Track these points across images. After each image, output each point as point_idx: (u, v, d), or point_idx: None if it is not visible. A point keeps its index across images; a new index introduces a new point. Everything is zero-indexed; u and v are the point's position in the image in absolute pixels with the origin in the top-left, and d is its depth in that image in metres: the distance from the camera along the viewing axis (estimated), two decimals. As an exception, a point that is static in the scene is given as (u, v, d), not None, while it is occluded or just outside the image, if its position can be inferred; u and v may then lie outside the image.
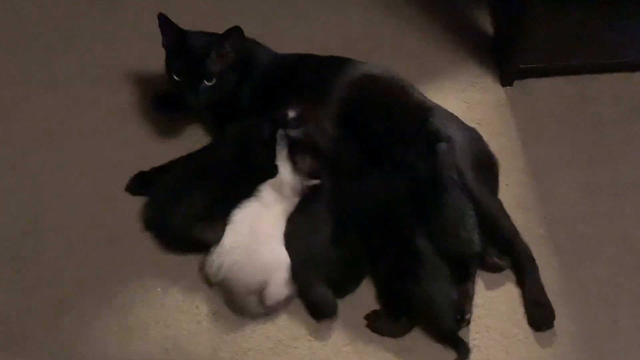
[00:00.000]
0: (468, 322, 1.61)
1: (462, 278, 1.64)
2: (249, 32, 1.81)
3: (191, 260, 1.69)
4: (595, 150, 1.92)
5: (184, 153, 1.81)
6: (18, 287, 1.65)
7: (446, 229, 1.63)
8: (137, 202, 1.76)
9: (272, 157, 1.71)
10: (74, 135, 1.89)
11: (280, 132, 1.71)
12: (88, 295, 1.65)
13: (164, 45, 1.80)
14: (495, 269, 1.70)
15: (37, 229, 1.74)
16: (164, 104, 1.94)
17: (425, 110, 1.76)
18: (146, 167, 1.80)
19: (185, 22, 1.80)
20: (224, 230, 1.64)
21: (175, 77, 1.76)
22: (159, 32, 1.78)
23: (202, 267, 1.66)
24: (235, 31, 1.75)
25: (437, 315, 1.57)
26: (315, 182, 1.66)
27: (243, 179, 1.71)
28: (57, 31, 2.09)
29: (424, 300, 1.57)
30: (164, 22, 1.76)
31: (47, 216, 1.76)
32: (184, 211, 1.66)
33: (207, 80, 1.75)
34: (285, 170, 1.69)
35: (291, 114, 1.72)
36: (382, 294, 1.65)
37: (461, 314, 1.61)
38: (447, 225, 1.63)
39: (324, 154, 1.70)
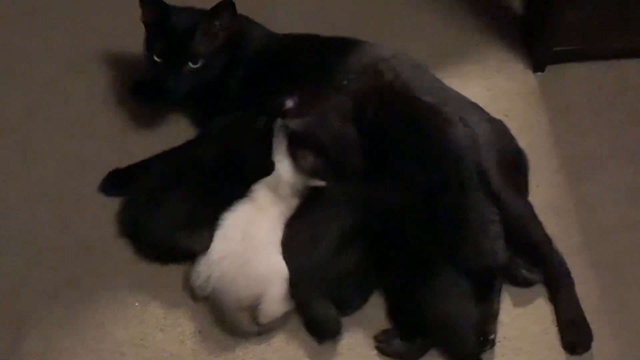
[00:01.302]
0: (492, 344, 1.62)
1: (485, 294, 1.65)
2: (241, 9, 1.81)
3: (174, 270, 1.70)
4: (638, 146, 1.92)
5: (165, 148, 1.82)
6: None
7: (465, 238, 1.64)
8: (112, 204, 1.77)
9: (267, 153, 1.72)
10: (40, 127, 1.91)
11: (278, 122, 1.72)
12: (53, 310, 1.65)
13: (144, 21, 1.80)
14: (524, 283, 1.70)
15: None
16: (143, 91, 1.95)
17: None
18: (122, 164, 1.82)
19: None
20: (211, 236, 1.65)
21: (155, 58, 1.78)
22: (137, 8, 1.78)
23: (186, 279, 1.67)
24: (226, 6, 1.76)
25: (456, 335, 1.59)
26: (320, 183, 1.67)
27: (233, 178, 1.72)
28: (20, 7, 2.12)
29: (441, 319, 1.58)
30: None
31: (9, 218, 1.77)
32: (166, 215, 1.67)
33: (192, 63, 1.76)
34: (283, 167, 1.70)
35: (289, 103, 1.72)
36: (394, 311, 1.66)
37: (484, 335, 1.61)
38: (466, 233, 1.64)
39: (328, 151, 1.70)
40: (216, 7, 1.76)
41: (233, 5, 1.76)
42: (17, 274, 1.70)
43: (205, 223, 1.67)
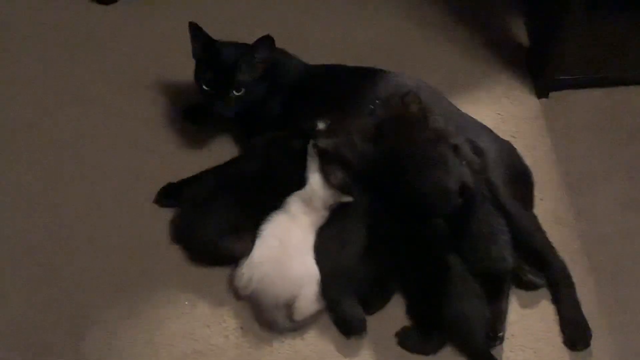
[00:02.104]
0: (501, 340, 1.61)
1: (495, 295, 1.63)
2: (278, 42, 1.81)
3: (219, 273, 1.69)
4: (634, 164, 1.91)
5: (213, 164, 1.81)
6: (42, 297, 1.66)
7: (477, 245, 1.63)
8: (165, 214, 1.77)
9: (299, 171, 1.71)
10: (102, 146, 1.91)
11: (312, 142, 1.71)
12: (113, 308, 1.65)
13: (194, 55, 1.81)
14: (530, 286, 1.69)
15: (63, 240, 1.74)
16: (193, 114, 1.95)
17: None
18: (174, 179, 1.81)
19: (214, 31, 1.81)
20: (252, 243, 1.64)
21: (204, 87, 1.78)
22: (187, 42, 1.80)
23: (230, 280, 1.66)
24: (265, 41, 1.76)
25: (469, 332, 1.57)
26: (347, 198, 1.65)
27: (271, 191, 1.71)
28: (85, 41, 2.12)
29: (455, 317, 1.56)
30: (195, 31, 1.78)
31: (75, 227, 1.77)
32: (213, 224, 1.66)
33: (236, 91, 1.76)
34: (315, 182, 1.68)
35: (320, 125, 1.71)
36: (413, 311, 1.65)
37: (494, 332, 1.60)
38: (477, 241, 1.63)
39: (353, 167, 1.68)
40: (257, 42, 1.76)
41: (272, 40, 1.76)
42: (83, 275, 1.69)
43: (246, 231, 1.66)
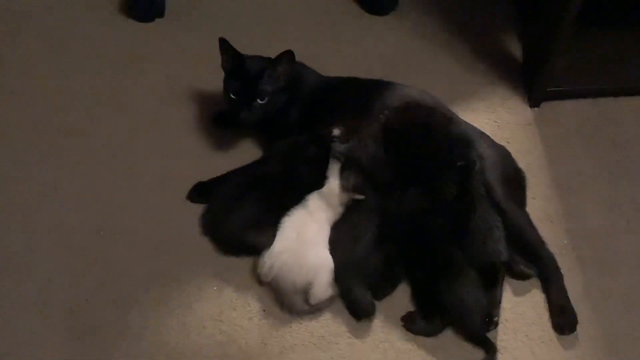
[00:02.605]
0: (496, 325, 1.61)
1: (491, 285, 1.63)
2: (298, 56, 1.83)
3: (244, 262, 1.70)
4: (617, 168, 1.90)
5: (239, 165, 1.82)
6: (89, 282, 1.68)
7: (475, 239, 1.63)
8: (197, 209, 1.78)
9: (315, 172, 1.71)
10: (141, 148, 1.92)
11: (334, 147, 1.71)
12: (151, 292, 1.67)
13: (223, 66, 1.82)
14: (522, 276, 1.69)
15: (107, 232, 1.76)
16: (222, 120, 1.96)
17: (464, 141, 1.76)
18: (205, 178, 1.82)
19: (241, 45, 1.82)
20: (273, 235, 1.65)
21: (232, 95, 1.79)
22: (217, 56, 1.81)
23: (254, 269, 1.68)
24: (287, 55, 1.77)
25: (467, 316, 1.58)
26: (360, 197, 1.66)
27: (290, 190, 1.72)
28: (128, 56, 2.13)
29: (455, 303, 1.57)
30: (224, 45, 1.78)
31: (117, 220, 1.79)
32: (238, 218, 1.68)
33: (260, 99, 1.77)
34: (334, 182, 1.69)
35: (335, 132, 1.72)
36: (417, 297, 1.66)
37: (489, 317, 1.61)
38: (476, 236, 1.64)
39: (366, 169, 1.69)
40: (279, 56, 1.78)
41: (292, 54, 1.77)
42: (123, 264, 1.71)
43: (268, 224, 1.68)
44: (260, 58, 1.83)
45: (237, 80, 1.79)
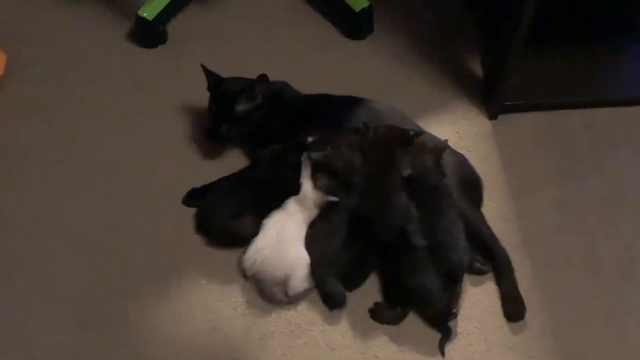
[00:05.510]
0: (455, 316, 1.62)
1: (453, 279, 1.63)
2: (284, 77, 1.84)
3: (230, 257, 1.70)
4: (566, 172, 1.90)
5: (228, 173, 1.82)
6: (95, 276, 1.70)
7: (441, 251, 1.61)
8: (190, 213, 1.79)
9: (297, 176, 1.73)
10: (142, 157, 1.92)
11: (305, 154, 1.72)
12: (149, 284, 1.68)
13: (208, 88, 1.85)
14: (479, 272, 1.70)
15: (111, 232, 1.78)
16: (213, 134, 1.95)
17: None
18: (197, 184, 1.82)
19: (234, 67, 1.85)
20: (256, 225, 1.66)
21: (212, 113, 1.83)
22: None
23: (238, 263, 1.68)
24: (262, 78, 1.79)
25: (429, 300, 1.58)
26: (332, 198, 1.67)
27: (274, 193, 1.73)
28: (133, 77, 2.14)
29: (419, 289, 1.58)
30: (205, 70, 1.82)
31: (120, 220, 1.80)
32: (226, 209, 1.69)
33: (235, 116, 1.79)
34: (307, 186, 1.70)
35: (310, 138, 1.73)
36: (384, 289, 1.67)
37: (449, 309, 1.61)
38: (441, 248, 1.62)
39: (339, 173, 1.70)
40: (257, 78, 1.80)
41: (266, 77, 1.79)
42: (125, 259, 1.73)
43: (252, 215, 1.69)
44: (240, 79, 1.85)
45: (216, 100, 1.82)
